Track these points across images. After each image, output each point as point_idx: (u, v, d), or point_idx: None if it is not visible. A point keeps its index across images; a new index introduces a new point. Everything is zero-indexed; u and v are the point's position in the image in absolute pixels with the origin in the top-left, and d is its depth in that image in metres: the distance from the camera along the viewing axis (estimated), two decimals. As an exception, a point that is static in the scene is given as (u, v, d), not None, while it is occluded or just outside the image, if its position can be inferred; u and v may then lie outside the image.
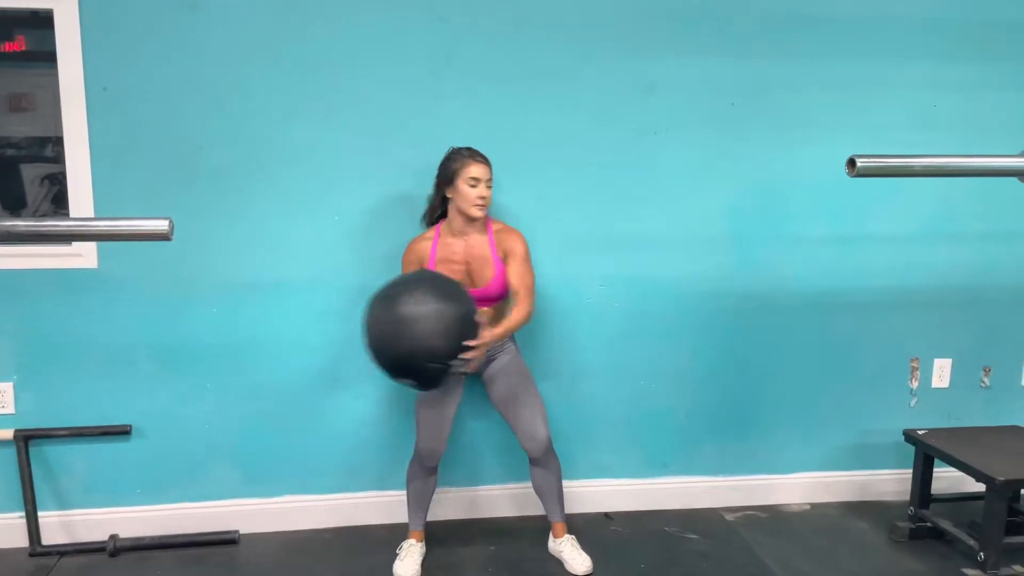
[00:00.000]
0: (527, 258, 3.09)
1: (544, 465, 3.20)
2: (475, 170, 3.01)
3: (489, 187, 3.05)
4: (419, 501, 3.21)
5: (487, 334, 2.87)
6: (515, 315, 3.03)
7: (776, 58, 3.46)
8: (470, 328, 2.79)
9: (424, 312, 2.71)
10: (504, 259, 3.08)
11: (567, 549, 3.22)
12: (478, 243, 3.09)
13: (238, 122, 3.20)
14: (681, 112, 3.44)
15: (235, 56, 3.17)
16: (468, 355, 2.78)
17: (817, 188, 3.57)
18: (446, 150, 3.15)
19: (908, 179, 3.56)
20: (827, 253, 3.64)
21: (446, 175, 3.06)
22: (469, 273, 3.08)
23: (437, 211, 3.16)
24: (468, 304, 2.84)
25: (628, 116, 3.41)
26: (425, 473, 3.16)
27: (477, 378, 3.27)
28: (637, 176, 3.46)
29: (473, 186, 3.01)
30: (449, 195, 3.07)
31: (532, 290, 3.08)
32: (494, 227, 3.12)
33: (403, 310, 2.73)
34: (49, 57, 3.08)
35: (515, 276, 3.06)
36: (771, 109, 3.50)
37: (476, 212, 3.03)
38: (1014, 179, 1.82)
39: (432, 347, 2.72)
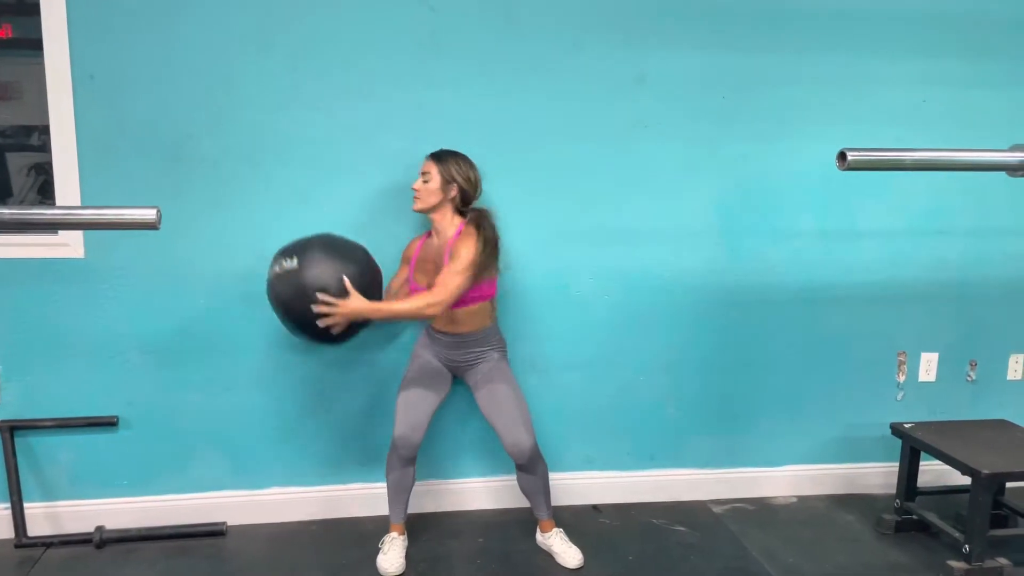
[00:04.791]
0: (468, 265, 2.94)
1: (530, 470, 3.18)
2: (424, 164, 3.08)
3: (425, 181, 3.04)
4: (398, 493, 3.20)
5: (357, 303, 2.81)
6: (407, 302, 2.95)
7: (767, 52, 3.46)
8: (330, 280, 2.81)
9: (309, 256, 2.85)
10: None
11: (556, 543, 3.23)
12: (445, 244, 3.08)
13: (226, 112, 3.18)
14: (671, 105, 3.44)
15: (223, 45, 3.15)
16: (320, 308, 2.79)
17: (806, 182, 3.58)
18: (434, 141, 3.17)
19: (897, 174, 3.57)
20: (816, 247, 3.65)
21: None
22: (438, 272, 3.03)
23: None
24: (344, 262, 2.87)
25: (618, 108, 3.41)
26: (402, 464, 3.15)
27: (463, 381, 3.28)
28: (627, 168, 3.46)
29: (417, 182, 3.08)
30: None
31: (448, 291, 2.91)
32: (463, 230, 3.06)
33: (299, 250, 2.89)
34: (35, 45, 3.05)
35: (443, 271, 2.97)
36: (761, 103, 3.50)
37: (413, 204, 3.08)
38: (1002, 174, 1.83)
39: (293, 282, 2.82)
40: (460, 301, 3.03)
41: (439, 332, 3.18)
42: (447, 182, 3.04)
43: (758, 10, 3.43)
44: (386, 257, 3.28)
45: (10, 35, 3.10)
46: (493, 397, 3.15)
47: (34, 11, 3.03)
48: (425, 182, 3.04)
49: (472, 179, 3.09)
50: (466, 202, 3.10)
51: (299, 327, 2.91)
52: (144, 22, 3.08)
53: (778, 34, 3.46)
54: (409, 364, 3.25)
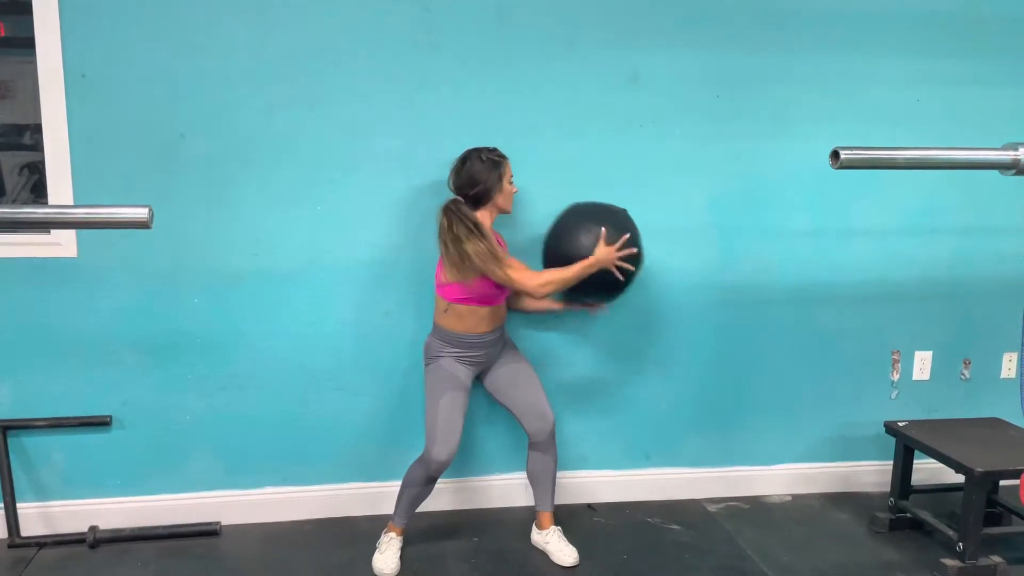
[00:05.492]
0: None
1: (545, 450, 3.23)
2: (510, 168, 3.13)
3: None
4: (412, 504, 3.18)
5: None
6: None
7: (761, 51, 3.47)
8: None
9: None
10: None
11: (554, 541, 3.23)
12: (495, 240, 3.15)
13: (220, 111, 3.17)
14: (665, 103, 3.44)
15: (217, 44, 3.14)
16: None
17: (800, 181, 3.59)
18: (429, 140, 3.17)
19: (890, 173, 3.57)
20: (810, 246, 3.65)
21: (493, 179, 3.04)
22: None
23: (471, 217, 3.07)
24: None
25: (612, 107, 3.41)
26: (426, 481, 3.12)
27: (482, 375, 3.29)
28: (621, 167, 3.45)
29: (511, 183, 3.12)
30: (495, 196, 3.08)
31: None
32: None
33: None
34: (28, 43, 3.04)
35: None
36: (755, 101, 3.50)
37: (511, 207, 3.18)
38: (995, 172, 1.83)
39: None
40: (502, 297, 3.13)
41: (484, 334, 3.14)
42: None
43: (752, 9, 3.43)
44: (384, 256, 3.30)
45: (2, 33, 3.09)
46: (515, 375, 3.24)
47: (26, 9, 3.02)
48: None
49: None
50: None
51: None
52: (137, 21, 3.07)
53: (772, 33, 3.46)
54: (440, 381, 3.12)
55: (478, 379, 3.29)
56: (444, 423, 3.05)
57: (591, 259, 3.00)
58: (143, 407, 3.30)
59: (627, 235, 3.03)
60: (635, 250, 3.07)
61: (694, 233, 3.56)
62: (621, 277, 3.06)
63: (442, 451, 3.03)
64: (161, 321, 3.26)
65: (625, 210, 3.19)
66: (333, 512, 3.51)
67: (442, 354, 3.15)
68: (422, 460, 3.09)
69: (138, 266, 3.21)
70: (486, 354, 3.19)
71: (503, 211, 3.15)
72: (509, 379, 3.24)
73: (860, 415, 3.83)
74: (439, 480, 3.53)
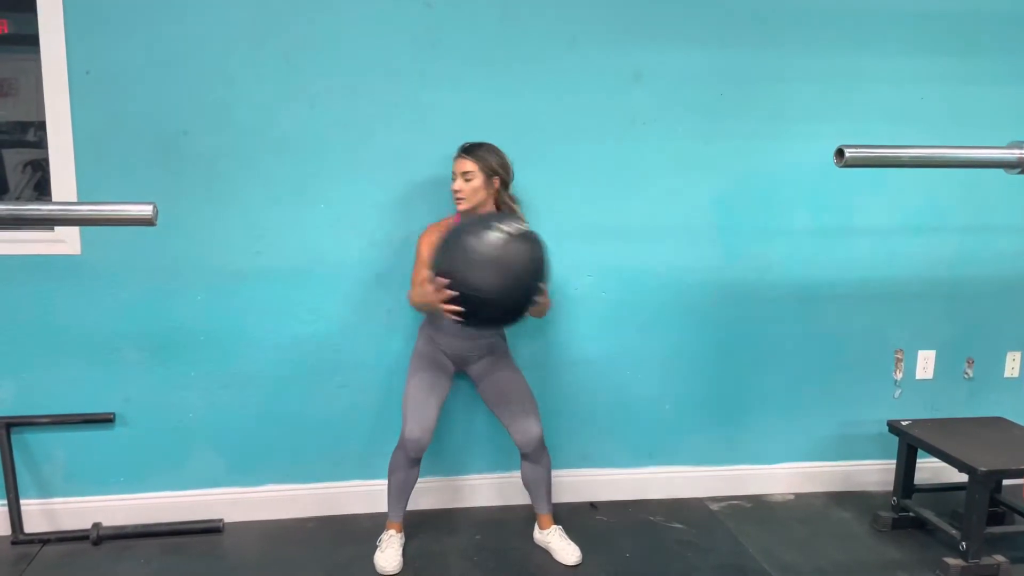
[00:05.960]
0: None
1: (535, 460, 3.20)
2: (454, 165, 3.05)
3: (467, 180, 3.02)
4: (401, 492, 3.19)
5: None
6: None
7: (765, 49, 3.46)
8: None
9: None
10: None
11: (555, 540, 3.23)
12: None
13: (223, 108, 3.17)
14: (668, 102, 3.44)
15: (220, 41, 3.14)
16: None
17: (803, 179, 3.58)
18: (431, 138, 3.19)
19: (893, 171, 3.57)
20: (813, 244, 3.65)
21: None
22: None
23: None
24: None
25: (615, 105, 3.41)
26: (408, 464, 3.14)
27: (464, 374, 3.28)
28: (624, 166, 3.45)
29: (454, 182, 3.05)
30: None
31: None
32: None
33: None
34: (31, 40, 3.04)
35: None
36: (759, 99, 3.50)
37: (457, 206, 3.05)
38: (998, 171, 1.83)
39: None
40: None
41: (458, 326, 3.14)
42: (489, 176, 3.06)
43: (755, 7, 3.43)
44: (383, 253, 3.30)
45: (6, 31, 3.09)
46: (501, 385, 3.19)
47: (30, 7, 3.02)
48: (468, 181, 3.02)
49: (507, 166, 3.12)
50: (506, 189, 3.13)
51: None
52: (140, 18, 3.08)
53: (776, 31, 3.46)
54: (415, 361, 3.20)
55: (471, 382, 3.29)
56: (414, 401, 3.08)
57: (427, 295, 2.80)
58: (146, 404, 3.31)
59: (446, 280, 2.66)
60: (453, 293, 2.65)
61: (696, 231, 3.56)
62: (456, 319, 2.74)
63: (414, 428, 3.04)
64: (164, 318, 3.26)
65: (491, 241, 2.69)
66: (335, 509, 3.51)
67: (422, 335, 3.21)
68: (399, 442, 3.12)
69: (142, 263, 3.21)
70: (461, 347, 3.18)
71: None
72: (499, 390, 3.19)
73: (863, 414, 3.83)
74: (441, 478, 3.55)
